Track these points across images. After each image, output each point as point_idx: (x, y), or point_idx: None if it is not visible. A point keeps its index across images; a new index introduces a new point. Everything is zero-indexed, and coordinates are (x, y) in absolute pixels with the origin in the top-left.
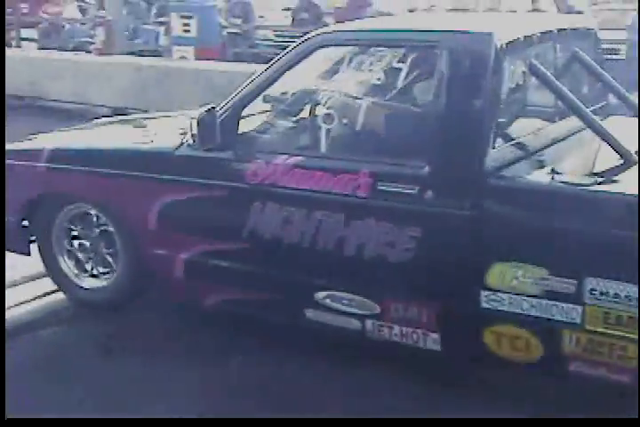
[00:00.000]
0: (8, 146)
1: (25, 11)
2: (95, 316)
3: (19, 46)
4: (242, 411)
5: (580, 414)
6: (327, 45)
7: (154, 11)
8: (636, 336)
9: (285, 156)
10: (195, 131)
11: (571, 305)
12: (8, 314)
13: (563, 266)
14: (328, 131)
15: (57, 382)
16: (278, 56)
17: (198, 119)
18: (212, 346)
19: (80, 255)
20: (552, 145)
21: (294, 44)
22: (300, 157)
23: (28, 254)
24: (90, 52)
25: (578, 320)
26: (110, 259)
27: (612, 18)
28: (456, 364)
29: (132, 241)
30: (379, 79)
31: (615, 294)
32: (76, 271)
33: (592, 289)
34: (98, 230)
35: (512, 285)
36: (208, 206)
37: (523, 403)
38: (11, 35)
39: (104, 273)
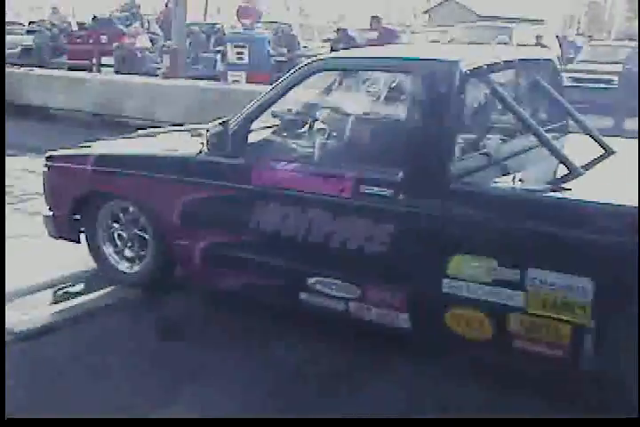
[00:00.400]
0: (65, 151)
1: (104, 41)
2: (151, 304)
3: (99, 71)
4: (299, 397)
5: (580, 414)
6: (322, 70)
7: (212, 41)
8: (569, 318)
9: (285, 162)
10: (208, 140)
11: (515, 291)
12: (69, 303)
13: (509, 258)
14: (321, 142)
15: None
16: (282, 78)
17: (211, 130)
18: (256, 333)
19: (119, 244)
20: (510, 158)
21: (295, 69)
22: (297, 164)
23: (78, 242)
24: (157, 75)
25: (521, 304)
26: (143, 247)
27: (608, 52)
28: (423, 340)
29: (160, 233)
30: (364, 99)
31: (552, 282)
32: (115, 257)
33: (533, 278)
34: (133, 223)
35: (468, 273)
36: (220, 204)
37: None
38: (92, 61)
39: (138, 259)
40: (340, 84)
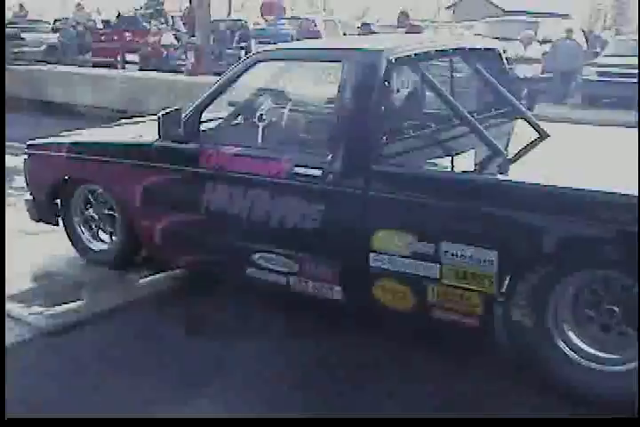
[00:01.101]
0: (43, 140)
1: (128, 39)
2: (174, 300)
3: (124, 68)
4: (325, 394)
5: (580, 414)
6: (265, 60)
7: (236, 37)
8: (479, 288)
9: (230, 146)
10: (161, 127)
11: (431, 264)
12: (93, 299)
13: (424, 233)
14: (261, 128)
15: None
16: (229, 68)
17: (163, 118)
18: (282, 328)
19: (92, 225)
20: (438, 143)
21: (242, 60)
22: (240, 148)
23: (56, 225)
24: (182, 72)
25: (437, 276)
26: (112, 228)
27: (634, 46)
28: (356, 311)
29: (125, 214)
30: (303, 88)
31: (462, 255)
32: (89, 237)
33: (446, 251)
34: (103, 205)
35: (390, 247)
36: (174, 187)
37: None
38: (116, 59)
39: (109, 239)
40: (284, 74)
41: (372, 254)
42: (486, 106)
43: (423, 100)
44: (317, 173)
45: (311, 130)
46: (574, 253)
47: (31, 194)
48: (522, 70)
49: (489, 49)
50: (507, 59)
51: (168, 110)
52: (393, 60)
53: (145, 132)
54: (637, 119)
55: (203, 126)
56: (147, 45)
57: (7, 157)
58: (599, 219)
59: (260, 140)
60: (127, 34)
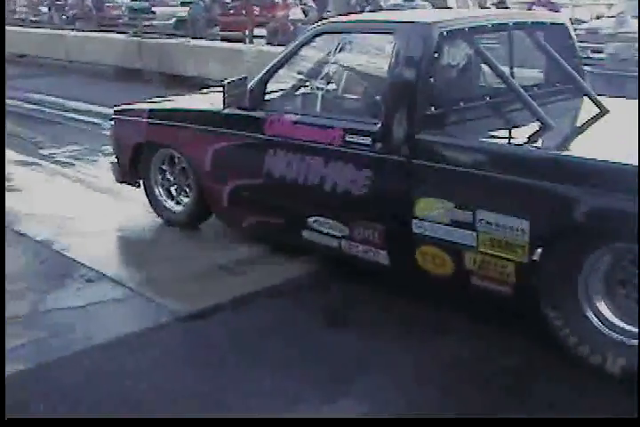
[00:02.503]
0: (128, 106)
1: (257, 12)
2: (314, 287)
3: (251, 42)
4: (448, 384)
5: (581, 414)
6: (323, 33)
7: (367, 10)
8: (512, 257)
9: (290, 114)
10: (226, 95)
11: (468, 231)
12: (230, 284)
13: (463, 201)
14: (320, 97)
15: (293, 341)
16: (292, 41)
17: (229, 87)
18: (426, 322)
19: (168, 187)
20: (484, 116)
21: (304, 32)
22: (299, 116)
23: (138, 187)
24: None
25: (474, 243)
26: (187, 190)
27: None
28: (401, 275)
29: (197, 178)
30: (358, 59)
31: (496, 223)
32: (165, 198)
33: (481, 219)
34: (178, 168)
35: (431, 214)
36: (240, 152)
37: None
38: (245, 33)
39: (183, 200)
40: (343, 46)
41: (414, 221)
42: (547, 82)
43: (477, 73)
44: (367, 140)
45: (365, 99)
46: (605, 225)
47: (116, 157)
48: None
49: (556, 24)
50: None
51: (233, 79)
52: (444, 33)
53: (219, 100)
54: (638, 114)
55: (268, 96)
56: (274, 20)
57: None
58: (632, 192)
59: (318, 109)
60: (255, 8)
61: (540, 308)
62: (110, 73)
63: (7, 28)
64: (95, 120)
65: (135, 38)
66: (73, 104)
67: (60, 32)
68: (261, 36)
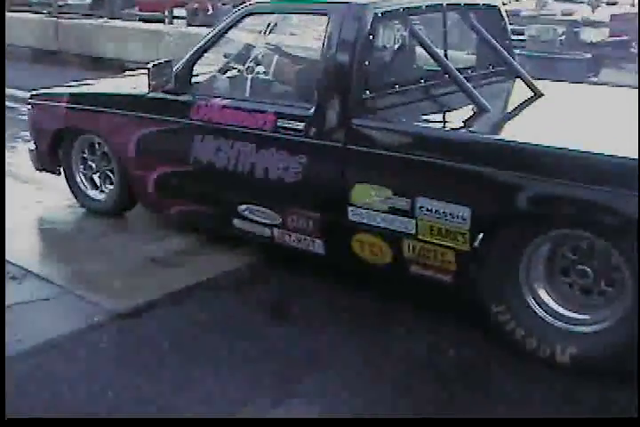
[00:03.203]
0: (46, 90)
1: None
2: (254, 280)
3: (171, 23)
4: (403, 380)
5: (581, 414)
6: (252, 13)
7: None
8: (452, 244)
9: (219, 98)
10: (151, 78)
11: (407, 219)
12: (167, 277)
13: (401, 188)
14: (249, 80)
15: (236, 339)
16: (219, 22)
17: (154, 70)
18: (372, 314)
19: (90, 174)
20: (420, 99)
21: (230, 13)
22: (228, 100)
23: (58, 174)
24: None
25: (413, 231)
26: (109, 178)
27: None
28: (337, 265)
29: (121, 164)
30: (290, 41)
31: (436, 210)
32: (88, 186)
33: (421, 206)
34: (99, 154)
35: (368, 202)
36: (166, 138)
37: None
38: (164, 13)
39: (106, 188)
40: (273, 27)
41: (350, 208)
42: (481, 64)
43: (412, 55)
44: (300, 126)
45: (297, 82)
46: (545, 211)
47: (34, 144)
48: (588, 34)
49: (489, 6)
50: (574, 21)
51: (158, 62)
52: (379, 14)
53: (142, 83)
54: (638, 108)
55: (195, 79)
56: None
57: None
58: (574, 179)
59: (247, 93)
60: None
61: (484, 303)
62: (28, 55)
63: None
64: (12, 104)
65: (51, 19)
66: None
67: None
68: (182, 17)
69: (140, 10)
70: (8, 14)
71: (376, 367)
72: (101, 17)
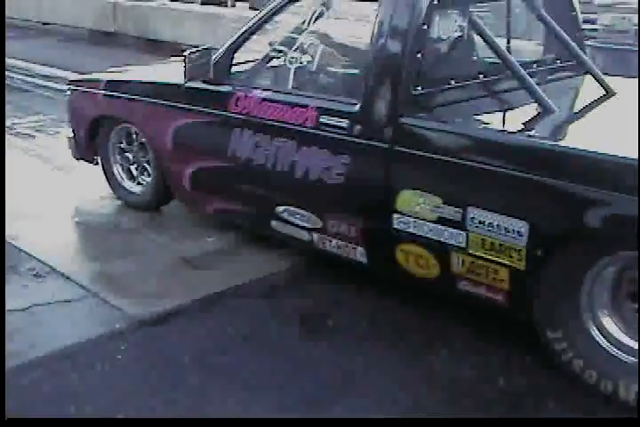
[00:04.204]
0: (84, 76)
1: None
2: (290, 289)
3: (234, 6)
4: (443, 411)
5: (581, 414)
6: None
7: None
8: (505, 261)
9: (259, 90)
10: (187, 67)
11: (457, 231)
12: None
13: (453, 196)
14: (293, 71)
15: (264, 355)
16: (263, 8)
17: (190, 57)
18: (417, 331)
19: (127, 165)
20: (479, 96)
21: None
22: (268, 92)
23: (95, 164)
24: None
25: (463, 244)
26: (148, 168)
27: None
28: (380, 275)
29: (157, 157)
30: (338, 30)
31: (490, 223)
32: (124, 177)
33: (472, 218)
34: (137, 144)
35: (415, 209)
36: (203, 130)
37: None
38: None
39: (142, 180)
40: (321, 13)
41: (395, 215)
42: (548, 58)
43: (471, 47)
44: (344, 123)
45: (343, 75)
46: (616, 231)
47: (72, 131)
48: None
49: None
50: None
51: (196, 50)
52: (435, 1)
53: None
54: (638, 104)
55: (235, 68)
56: None
57: None
58: None
59: (290, 85)
60: None
61: (539, 328)
62: (85, 36)
63: None
64: (64, 87)
65: (110, 0)
66: (41, 69)
67: None
68: (244, 0)
69: None
70: None
71: (414, 395)
72: None
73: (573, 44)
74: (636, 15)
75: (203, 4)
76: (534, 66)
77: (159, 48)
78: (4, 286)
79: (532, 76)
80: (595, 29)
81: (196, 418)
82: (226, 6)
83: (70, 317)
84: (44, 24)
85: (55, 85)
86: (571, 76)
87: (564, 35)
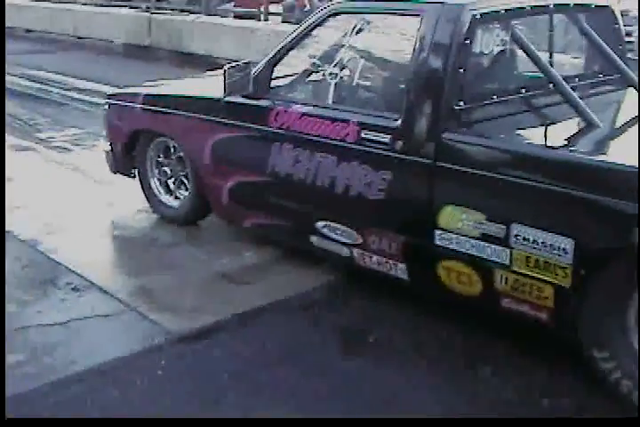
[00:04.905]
0: (123, 90)
1: None
2: (332, 304)
3: (267, 19)
4: None
5: (581, 414)
6: (338, 13)
7: None
8: (550, 279)
9: (299, 105)
10: (227, 81)
11: (501, 248)
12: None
13: (496, 212)
14: (333, 86)
15: (305, 371)
16: (302, 22)
17: (231, 72)
18: (458, 350)
19: (165, 179)
20: (522, 111)
21: (314, 13)
22: (309, 107)
23: (133, 177)
24: None
25: (507, 262)
26: (185, 184)
27: None
28: (421, 292)
29: (195, 171)
30: (378, 44)
31: (534, 240)
32: (162, 191)
33: (517, 235)
34: (175, 158)
35: (458, 226)
36: (242, 145)
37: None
38: (260, 9)
39: (182, 194)
40: (360, 28)
41: (437, 232)
42: (591, 71)
43: (513, 62)
44: (386, 138)
45: (384, 90)
46: None
47: (110, 145)
48: None
49: (600, 6)
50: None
51: (235, 64)
52: (478, 16)
53: (221, 84)
54: (638, 111)
55: (275, 82)
56: None
57: None
58: None
59: (330, 100)
60: None
61: (585, 347)
62: (119, 50)
63: (13, 0)
64: (100, 101)
65: (145, 14)
66: (78, 83)
67: (68, 5)
68: (277, 13)
69: (236, 6)
70: (101, 8)
71: (458, 417)
72: (196, 13)
73: (616, 57)
74: None
75: (236, 17)
76: (577, 80)
77: (193, 62)
78: (4, 285)
79: (574, 91)
80: (630, 42)
81: (198, 418)
82: (259, 20)
83: (109, 331)
84: (79, 38)
85: (91, 99)
86: (613, 90)
87: (607, 48)
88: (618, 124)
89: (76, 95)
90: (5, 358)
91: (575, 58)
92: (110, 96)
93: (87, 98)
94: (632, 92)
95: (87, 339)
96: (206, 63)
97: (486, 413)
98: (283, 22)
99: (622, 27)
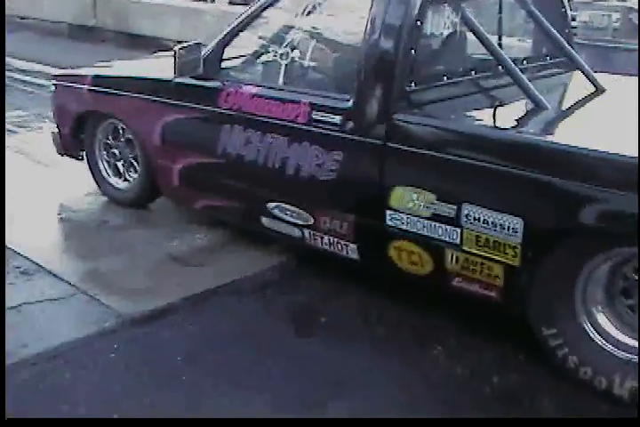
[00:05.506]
0: (69, 71)
1: None
2: (281, 285)
3: (213, 1)
4: (442, 410)
5: (581, 414)
6: None
7: None
8: (500, 258)
9: (250, 86)
10: (177, 62)
11: (451, 227)
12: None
13: (447, 193)
14: (284, 66)
15: (258, 352)
16: (252, 3)
17: (181, 53)
18: (409, 328)
19: (114, 161)
20: (472, 93)
21: None
22: (259, 88)
23: (81, 160)
24: None
25: (457, 241)
26: (134, 166)
27: None
28: (371, 272)
29: (145, 153)
30: (329, 24)
31: (484, 220)
32: (110, 173)
33: (467, 214)
34: (123, 140)
35: (409, 206)
36: (192, 126)
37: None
38: None
39: (129, 176)
40: (313, 8)
41: (388, 212)
42: (538, 54)
43: (463, 44)
44: (337, 119)
45: (335, 71)
46: (612, 228)
47: (57, 126)
48: None
49: None
50: (630, 8)
51: (186, 45)
52: None
53: (170, 66)
54: (638, 101)
55: (225, 63)
56: None
57: None
58: None
59: (281, 81)
60: None
61: (533, 325)
62: (65, 31)
63: None
64: (45, 83)
65: None
66: (21, 64)
67: None
68: None
69: None
70: None
71: (410, 394)
72: None
73: (563, 40)
74: (616, 13)
75: None
76: (524, 62)
77: (140, 43)
78: (4, 286)
79: (523, 73)
80: (574, 27)
81: (197, 418)
82: (205, 1)
83: (61, 315)
84: (21, 18)
85: (37, 80)
86: (560, 73)
87: (554, 31)
88: (565, 106)
89: (19, 76)
90: None
91: (523, 41)
92: (57, 77)
93: (32, 79)
94: (578, 74)
95: (38, 323)
96: (153, 45)
97: (438, 389)
98: (229, 4)
99: (569, 11)
